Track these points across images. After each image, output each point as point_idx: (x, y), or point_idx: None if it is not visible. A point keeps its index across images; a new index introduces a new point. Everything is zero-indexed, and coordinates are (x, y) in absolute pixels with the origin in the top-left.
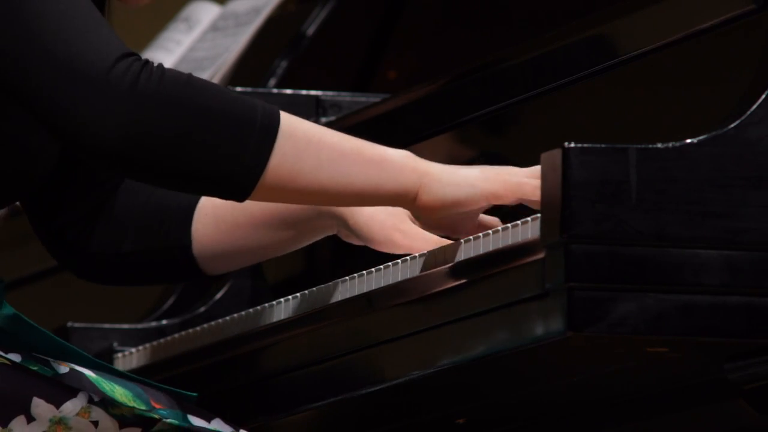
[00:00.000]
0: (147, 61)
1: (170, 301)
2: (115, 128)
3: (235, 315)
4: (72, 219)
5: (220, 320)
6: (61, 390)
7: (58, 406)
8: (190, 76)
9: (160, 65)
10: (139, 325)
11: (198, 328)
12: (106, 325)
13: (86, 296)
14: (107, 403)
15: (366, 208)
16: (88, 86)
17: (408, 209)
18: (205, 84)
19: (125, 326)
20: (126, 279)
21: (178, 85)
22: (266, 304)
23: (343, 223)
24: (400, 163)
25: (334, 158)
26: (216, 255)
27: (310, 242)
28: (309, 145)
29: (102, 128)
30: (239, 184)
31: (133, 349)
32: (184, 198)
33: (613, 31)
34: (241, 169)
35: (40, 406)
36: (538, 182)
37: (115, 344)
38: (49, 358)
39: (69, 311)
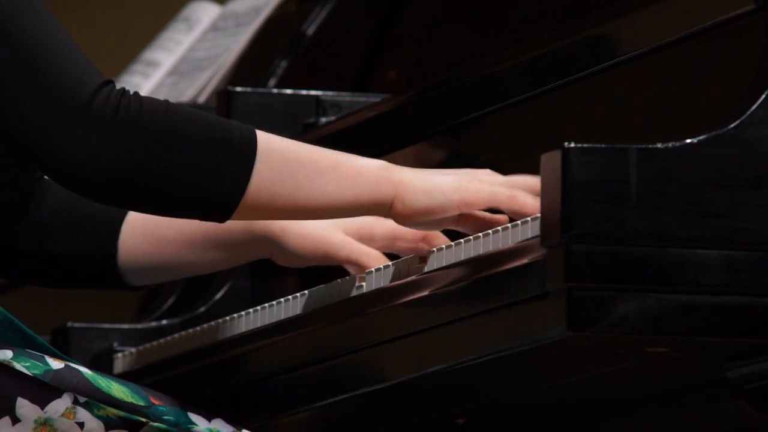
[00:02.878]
0: (125, 90)
1: (170, 301)
2: (99, 157)
3: (235, 315)
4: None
5: (220, 320)
6: (45, 390)
7: (42, 406)
8: (167, 102)
9: (137, 93)
10: (139, 325)
11: (198, 328)
12: (106, 325)
13: (86, 296)
14: (92, 405)
15: (295, 229)
16: (71, 117)
17: (385, 217)
18: (182, 110)
19: (125, 326)
20: (46, 281)
21: (158, 113)
22: (266, 304)
23: (277, 244)
24: (376, 175)
25: (311, 176)
26: (141, 268)
27: (242, 263)
28: (286, 165)
29: (86, 158)
30: (220, 208)
31: (133, 349)
32: (113, 208)
33: (613, 31)
34: (222, 193)
35: (24, 406)
36: (511, 192)
37: (115, 344)
38: (44, 354)
39: (69, 311)
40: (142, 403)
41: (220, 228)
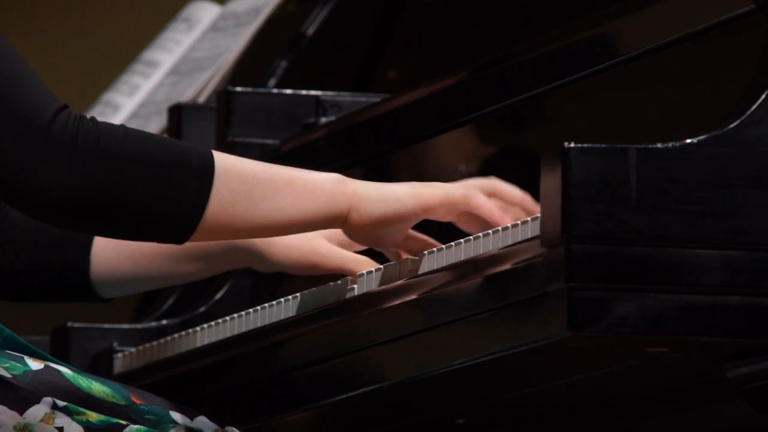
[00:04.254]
0: (82, 116)
1: (170, 301)
2: (57, 183)
3: (235, 315)
4: None
5: (220, 320)
6: (23, 396)
7: (21, 412)
8: (124, 127)
9: (93, 119)
10: (139, 325)
11: (198, 328)
12: (106, 325)
13: None
14: (72, 410)
15: (281, 240)
16: (28, 143)
17: (341, 229)
18: (140, 135)
19: (125, 326)
20: (16, 295)
21: (116, 138)
22: (266, 304)
23: (260, 256)
24: (330, 189)
25: (267, 195)
26: (115, 281)
27: (220, 272)
28: (243, 185)
29: (45, 184)
30: (179, 230)
31: (133, 349)
32: None
33: (613, 31)
34: (180, 216)
35: (3, 413)
36: (465, 191)
37: (115, 344)
38: (24, 355)
39: (69, 311)
40: (123, 403)
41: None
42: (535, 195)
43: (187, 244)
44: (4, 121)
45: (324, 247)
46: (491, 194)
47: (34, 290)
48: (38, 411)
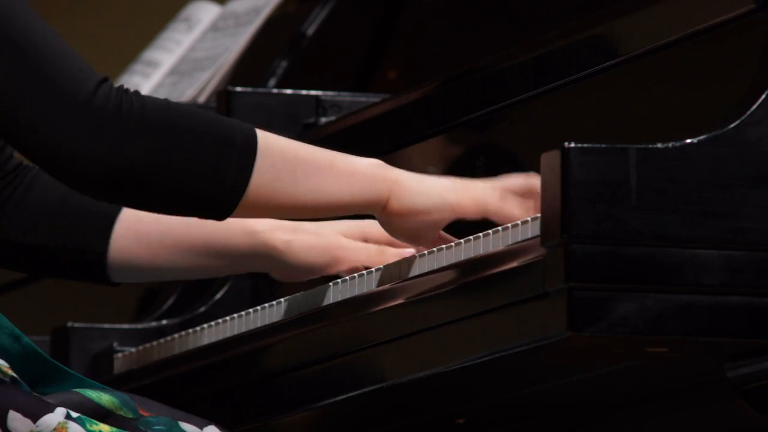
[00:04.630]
0: (124, 87)
1: (170, 301)
2: (102, 155)
3: (235, 315)
4: None
5: (220, 320)
6: (37, 404)
7: (34, 420)
8: (168, 101)
9: (137, 91)
10: (139, 325)
11: (198, 328)
12: (106, 325)
13: (86, 296)
14: (85, 420)
15: (300, 241)
16: (72, 115)
17: (378, 216)
18: (184, 108)
19: (125, 326)
20: (29, 269)
21: (160, 110)
22: (266, 304)
23: (279, 260)
24: (372, 173)
25: (309, 173)
26: (132, 267)
27: (234, 274)
28: (285, 162)
29: (91, 157)
30: (222, 205)
31: (133, 349)
32: (104, 205)
33: (613, 31)
34: (223, 190)
35: (16, 420)
36: (502, 204)
37: (115, 344)
38: (35, 358)
39: (69, 311)
40: (130, 416)
41: (221, 238)
42: None
43: (210, 241)
44: (45, 96)
45: (345, 241)
46: (529, 194)
47: (48, 266)
48: (51, 420)
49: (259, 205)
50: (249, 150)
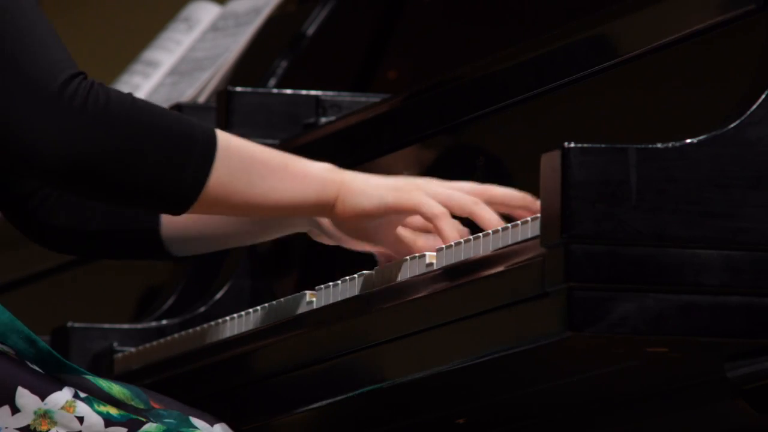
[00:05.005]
0: (93, 81)
1: (170, 301)
2: (64, 147)
3: (235, 315)
4: (42, 193)
5: (220, 320)
6: (46, 381)
7: (43, 397)
8: (132, 96)
9: (102, 84)
10: (139, 325)
11: (198, 328)
12: (106, 325)
13: (86, 296)
14: (93, 401)
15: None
16: (38, 106)
17: (329, 218)
18: (148, 105)
19: (125, 326)
20: (90, 253)
21: (124, 105)
22: (266, 304)
23: (316, 223)
24: (322, 176)
25: (264, 175)
26: (184, 239)
27: (278, 236)
28: (242, 163)
29: (53, 147)
30: (179, 201)
31: (133, 349)
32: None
33: (613, 31)
34: (182, 186)
35: (24, 396)
36: (437, 209)
37: (115, 344)
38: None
39: (69, 311)
40: (142, 406)
41: None
42: (535, 195)
43: None
44: (15, 85)
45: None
46: (469, 215)
47: (110, 249)
48: (59, 398)
49: (214, 203)
50: (209, 149)
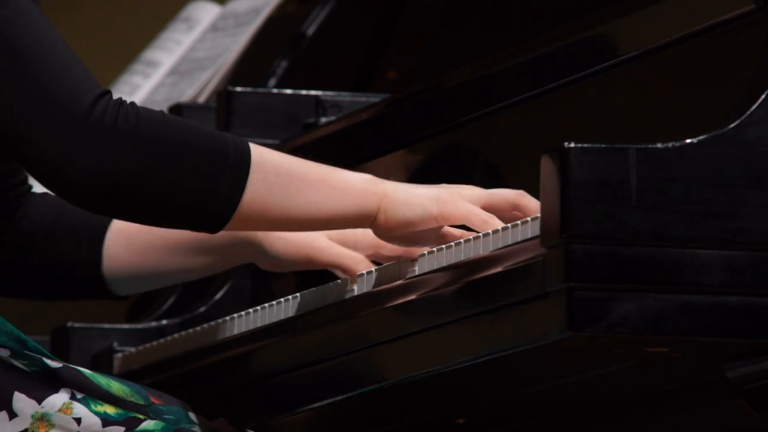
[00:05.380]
0: (122, 100)
1: (170, 301)
2: (97, 167)
3: (235, 315)
4: None
5: (220, 320)
6: (42, 385)
7: (39, 401)
8: (163, 113)
9: (133, 104)
10: (139, 325)
11: (198, 328)
12: (106, 325)
13: None
14: (90, 401)
15: (272, 236)
16: (69, 127)
17: (369, 228)
18: (179, 121)
19: (125, 326)
20: (31, 293)
21: (156, 123)
22: (266, 304)
23: (260, 250)
24: (362, 188)
25: (302, 188)
26: (126, 276)
27: (227, 268)
28: (278, 177)
29: (85, 168)
30: (215, 218)
31: (133, 349)
32: (96, 217)
33: (613, 31)
34: (217, 204)
35: (21, 401)
36: (484, 218)
37: (115, 344)
38: (40, 355)
39: (69, 311)
40: (141, 402)
41: (202, 234)
42: (535, 195)
43: (193, 238)
44: (43, 108)
45: (321, 241)
46: (515, 208)
47: (49, 287)
48: (57, 400)
49: (251, 219)
50: (243, 164)
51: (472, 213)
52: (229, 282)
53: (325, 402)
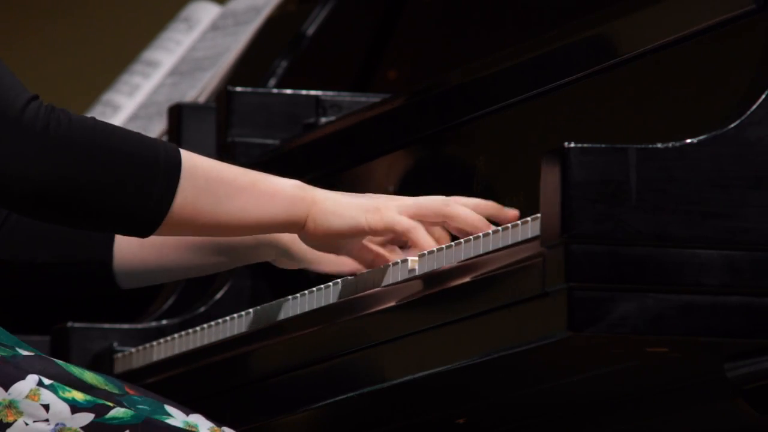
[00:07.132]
0: (53, 106)
1: (170, 301)
2: (28, 172)
3: (235, 315)
4: None
5: (220, 320)
6: (9, 372)
7: (6, 388)
8: (94, 119)
9: (64, 110)
10: (139, 325)
11: (198, 328)
12: (106, 325)
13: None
14: (57, 388)
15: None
16: (1, 131)
17: (297, 235)
18: (110, 127)
19: (125, 326)
20: (37, 290)
21: (86, 129)
22: (266, 305)
23: (285, 250)
24: (291, 194)
25: (231, 194)
26: (137, 272)
27: (242, 265)
28: (208, 183)
29: (16, 172)
30: (145, 223)
31: (133, 349)
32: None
33: (613, 31)
34: (148, 210)
35: None
36: (408, 225)
37: (115, 344)
38: (15, 345)
39: (69, 311)
40: (116, 391)
41: None
42: (535, 195)
43: (214, 237)
44: None
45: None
46: (442, 216)
47: (55, 284)
48: (23, 387)
49: (181, 225)
50: (173, 170)
51: (397, 222)
52: (229, 282)
53: (324, 402)
